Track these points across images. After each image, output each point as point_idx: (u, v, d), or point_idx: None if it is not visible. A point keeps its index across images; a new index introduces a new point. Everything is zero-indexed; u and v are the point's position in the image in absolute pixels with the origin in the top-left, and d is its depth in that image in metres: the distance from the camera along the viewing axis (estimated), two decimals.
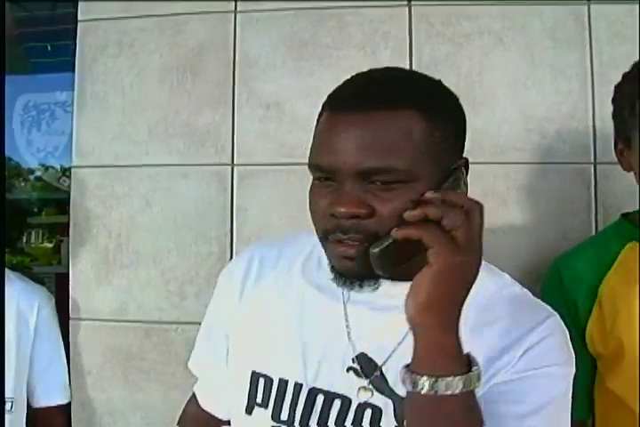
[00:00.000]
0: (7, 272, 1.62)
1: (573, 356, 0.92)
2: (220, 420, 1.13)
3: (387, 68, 0.93)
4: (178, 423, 1.21)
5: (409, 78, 0.92)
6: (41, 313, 1.58)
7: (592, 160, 1.73)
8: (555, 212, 1.73)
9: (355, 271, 0.86)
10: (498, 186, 1.74)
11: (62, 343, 1.69)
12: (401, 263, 0.80)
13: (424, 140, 0.83)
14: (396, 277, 0.86)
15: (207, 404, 1.15)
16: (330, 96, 0.91)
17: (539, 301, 0.96)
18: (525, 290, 0.97)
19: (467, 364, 0.77)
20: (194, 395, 1.18)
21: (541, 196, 1.74)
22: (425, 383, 0.75)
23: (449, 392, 0.75)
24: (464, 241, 0.74)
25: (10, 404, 1.51)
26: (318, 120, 0.91)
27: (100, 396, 1.88)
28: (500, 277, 0.96)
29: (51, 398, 1.68)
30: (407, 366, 0.78)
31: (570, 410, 0.90)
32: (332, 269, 0.91)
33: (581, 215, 1.73)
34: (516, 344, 0.87)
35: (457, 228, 0.74)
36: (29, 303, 1.59)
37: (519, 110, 1.76)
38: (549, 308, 0.95)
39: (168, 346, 1.84)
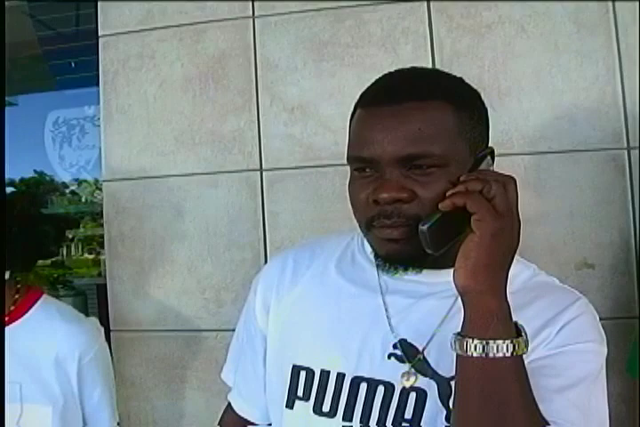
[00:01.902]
0: (52, 310, 1.49)
1: (604, 336, 0.95)
2: (257, 424, 1.14)
3: (412, 67, 0.99)
4: None
5: (435, 73, 1.01)
6: (83, 361, 1.49)
7: (625, 145, 1.69)
8: (590, 200, 1.70)
9: (400, 254, 0.91)
10: (529, 177, 1.71)
11: (113, 386, 1.61)
12: (448, 240, 0.85)
13: (454, 128, 0.89)
14: (435, 265, 0.94)
15: (243, 410, 1.16)
16: (362, 95, 0.97)
17: (566, 286, 1.02)
18: (553, 277, 1.03)
19: (515, 330, 0.81)
20: (229, 403, 1.19)
21: (575, 184, 1.71)
22: (477, 346, 0.79)
23: (500, 355, 0.78)
24: (503, 208, 0.81)
25: None
26: (351, 119, 0.97)
27: (144, 406, 1.90)
28: (529, 267, 1.02)
29: None
30: (458, 334, 0.82)
31: (605, 388, 0.92)
32: (377, 255, 0.97)
33: (618, 203, 1.69)
34: (551, 322, 0.91)
35: (495, 197, 0.81)
36: (70, 352, 1.45)
37: (546, 99, 1.73)
38: (577, 292, 1.00)
39: (208, 354, 1.85)
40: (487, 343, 0.79)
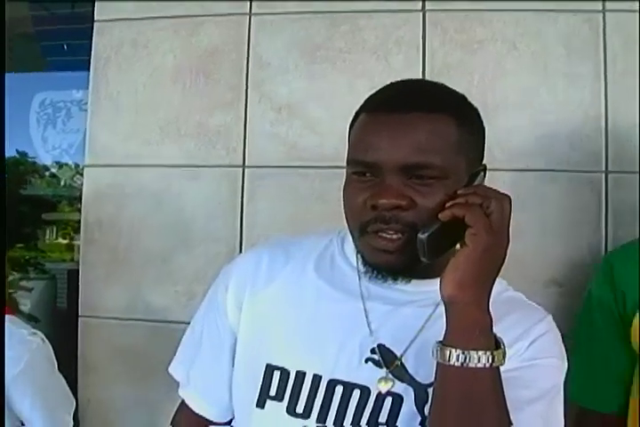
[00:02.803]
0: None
1: (565, 353, 0.98)
2: (215, 423, 1.12)
3: (420, 79, 1.07)
4: None
5: (442, 88, 1.00)
6: (6, 377, 1.47)
7: (603, 169, 1.72)
8: (564, 220, 1.73)
9: (393, 265, 0.92)
10: (507, 193, 1.73)
11: (51, 389, 1.55)
12: (443, 251, 0.86)
13: (456, 142, 0.91)
14: (422, 275, 0.95)
15: (201, 407, 1.13)
16: (368, 100, 0.99)
17: (532, 302, 1.04)
18: (519, 293, 1.05)
19: (494, 342, 0.83)
20: (183, 401, 1.15)
21: (551, 203, 1.74)
22: (459, 356, 0.81)
23: (480, 365, 0.80)
24: (497, 225, 0.82)
25: None
26: (353, 123, 0.98)
27: (105, 393, 1.89)
28: (500, 283, 0.99)
29: None
30: (440, 342, 0.84)
31: (562, 402, 0.96)
32: (366, 263, 0.97)
33: (592, 224, 1.72)
34: (523, 335, 0.94)
35: (492, 213, 0.82)
36: None
37: (531, 117, 1.76)
38: (543, 309, 1.02)
39: (175, 345, 1.84)
40: (468, 354, 0.81)
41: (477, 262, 0.81)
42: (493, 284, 0.85)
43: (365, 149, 0.91)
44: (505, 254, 0.85)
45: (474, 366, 0.81)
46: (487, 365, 0.81)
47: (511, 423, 0.83)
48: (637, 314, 1.36)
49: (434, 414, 0.85)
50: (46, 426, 1.50)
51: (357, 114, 0.98)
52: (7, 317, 1.53)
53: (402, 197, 0.88)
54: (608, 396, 1.42)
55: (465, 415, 0.82)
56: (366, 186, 0.91)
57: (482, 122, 0.99)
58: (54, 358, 1.58)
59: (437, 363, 0.84)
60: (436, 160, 0.88)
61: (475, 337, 0.81)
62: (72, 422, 1.56)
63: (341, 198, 0.95)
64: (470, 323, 0.82)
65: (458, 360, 0.81)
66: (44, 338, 1.55)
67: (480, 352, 0.80)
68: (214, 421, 1.12)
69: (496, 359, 0.81)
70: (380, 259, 0.92)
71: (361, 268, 1.00)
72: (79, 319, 1.91)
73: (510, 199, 0.85)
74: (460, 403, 0.82)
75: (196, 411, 1.12)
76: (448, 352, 0.81)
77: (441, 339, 0.84)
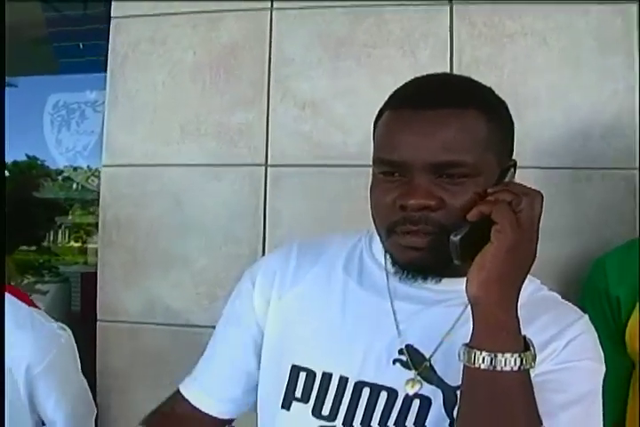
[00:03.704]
0: (8, 313, 1.37)
1: (602, 355, 0.95)
2: (217, 419, 1.07)
3: (445, 73, 1.02)
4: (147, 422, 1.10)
5: (470, 82, 0.97)
6: (32, 372, 1.40)
7: (638, 166, 1.67)
8: (599, 219, 1.68)
9: (421, 262, 0.90)
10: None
11: (80, 386, 1.51)
12: (476, 252, 0.83)
13: (486, 138, 0.88)
14: (453, 274, 0.92)
15: (202, 401, 1.08)
16: (392, 96, 0.96)
17: (568, 302, 1.01)
18: (554, 293, 1.02)
19: (523, 344, 0.81)
20: (177, 391, 1.11)
21: (585, 202, 1.69)
22: (485, 358, 0.78)
23: (507, 368, 0.78)
24: (526, 223, 0.79)
25: None
26: (377, 120, 0.95)
27: (125, 398, 1.85)
28: (533, 282, 0.99)
29: None
30: (466, 345, 0.82)
31: (601, 407, 0.92)
32: (395, 263, 0.94)
33: (626, 223, 1.67)
34: (558, 337, 0.91)
35: (521, 210, 0.79)
36: (17, 363, 1.35)
37: (563, 113, 1.71)
38: (579, 309, 1.00)
39: (196, 349, 1.79)
40: (495, 356, 0.78)
41: (503, 261, 0.79)
42: (522, 284, 0.82)
43: (392, 148, 0.88)
44: (534, 254, 0.82)
45: (501, 369, 0.78)
46: (515, 368, 0.78)
47: None
48: (633, 314, 1.33)
49: (461, 418, 0.83)
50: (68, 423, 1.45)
51: (381, 111, 0.95)
52: (35, 309, 1.48)
53: (431, 196, 0.85)
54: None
55: (493, 420, 0.80)
56: (394, 186, 0.89)
57: (510, 115, 0.97)
58: (78, 357, 1.53)
59: (464, 366, 0.81)
60: (467, 158, 0.85)
61: (502, 339, 0.79)
62: None
63: (367, 197, 0.93)
64: (496, 324, 0.80)
65: (484, 363, 0.79)
66: (71, 335, 1.49)
67: (507, 355, 0.78)
68: (219, 418, 1.07)
69: (525, 362, 0.79)
70: (410, 256, 0.90)
71: (390, 268, 0.98)
72: (97, 323, 1.87)
73: (542, 196, 0.82)
74: (489, 407, 0.80)
75: (195, 404, 1.08)
76: (474, 354, 0.79)
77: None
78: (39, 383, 1.38)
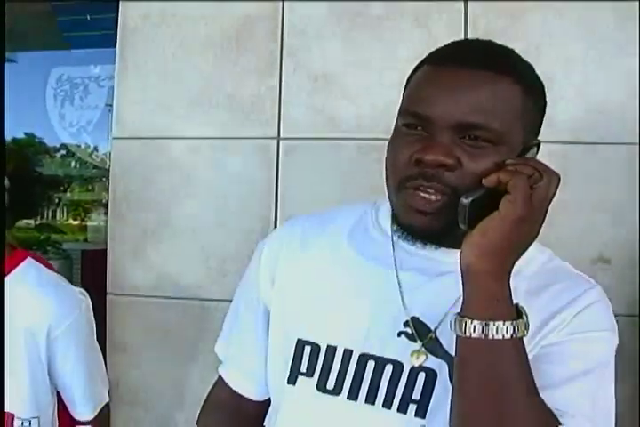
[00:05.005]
0: (31, 275, 1.39)
1: (616, 326, 0.93)
2: (255, 401, 1.08)
3: (490, 40, 0.96)
4: (201, 412, 1.13)
5: (512, 53, 0.95)
6: (52, 334, 1.40)
7: None
8: (612, 194, 1.67)
9: (426, 227, 0.88)
10: (552, 166, 1.67)
11: (96, 355, 1.50)
12: (481, 219, 0.81)
13: (519, 107, 0.86)
14: (452, 244, 0.90)
15: (240, 385, 1.09)
16: (433, 53, 0.94)
17: (580, 273, 0.98)
18: (567, 263, 0.99)
19: (516, 312, 0.80)
20: (220, 378, 1.12)
21: (598, 177, 1.68)
22: (477, 327, 0.77)
23: (499, 337, 0.77)
24: (538, 199, 0.78)
25: (33, 421, 1.39)
26: (412, 74, 0.94)
27: (135, 372, 1.85)
28: (543, 252, 0.98)
29: (78, 413, 1.53)
30: (458, 313, 0.81)
31: (613, 380, 0.90)
32: (399, 223, 0.93)
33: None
34: (568, 307, 0.89)
35: (538, 187, 0.78)
36: (39, 324, 1.35)
37: (577, 88, 1.69)
38: (592, 280, 0.97)
39: (206, 324, 1.80)
40: (487, 324, 0.77)
41: (506, 232, 0.77)
42: (517, 259, 0.81)
43: (421, 101, 0.86)
44: (536, 234, 0.81)
45: (492, 337, 0.77)
46: (507, 336, 0.77)
47: (543, 401, 0.79)
48: None
49: (455, 388, 0.82)
50: (85, 396, 1.44)
51: (418, 66, 0.93)
52: (57, 275, 1.47)
53: (450, 155, 0.83)
54: None
55: (487, 390, 0.79)
56: (414, 139, 0.87)
57: (545, 96, 0.94)
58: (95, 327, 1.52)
59: (457, 336, 0.80)
60: (495, 124, 0.83)
61: (493, 307, 0.78)
62: (108, 400, 1.50)
63: (380, 171, 0.91)
64: (487, 292, 0.79)
65: (475, 332, 0.78)
66: (90, 303, 1.48)
67: (499, 323, 0.77)
68: (253, 399, 1.08)
69: (517, 330, 0.77)
70: (415, 220, 0.88)
71: (391, 230, 0.97)
72: (107, 297, 1.86)
73: (559, 179, 0.81)
74: (482, 378, 0.79)
75: (235, 389, 1.09)
76: (465, 323, 0.78)
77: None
78: (58, 345, 1.37)
